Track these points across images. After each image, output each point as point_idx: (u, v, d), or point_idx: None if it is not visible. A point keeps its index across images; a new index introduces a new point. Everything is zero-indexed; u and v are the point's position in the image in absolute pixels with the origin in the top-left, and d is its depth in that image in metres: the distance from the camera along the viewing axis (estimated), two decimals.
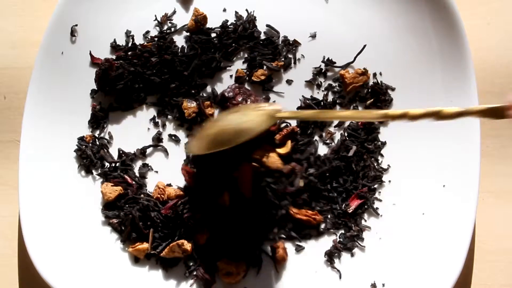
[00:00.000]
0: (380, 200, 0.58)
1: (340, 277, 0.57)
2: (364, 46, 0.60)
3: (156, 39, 0.61)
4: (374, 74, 0.60)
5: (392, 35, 0.60)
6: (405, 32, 0.60)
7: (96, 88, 0.60)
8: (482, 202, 0.59)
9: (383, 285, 0.56)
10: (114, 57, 0.60)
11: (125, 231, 0.57)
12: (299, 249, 0.57)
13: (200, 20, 0.60)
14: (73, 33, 0.60)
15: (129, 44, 0.61)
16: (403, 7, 0.60)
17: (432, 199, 0.57)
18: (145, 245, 0.57)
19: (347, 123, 0.60)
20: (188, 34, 0.61)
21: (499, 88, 0.62)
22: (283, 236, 0.58)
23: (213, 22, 0.61)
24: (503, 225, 0.60)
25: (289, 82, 0.60)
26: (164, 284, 0.57)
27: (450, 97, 0.58)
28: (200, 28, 0.61)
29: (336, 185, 0.58)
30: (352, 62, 0.60)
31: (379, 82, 0.60)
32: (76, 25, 0.60)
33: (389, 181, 0.59)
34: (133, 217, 0.57)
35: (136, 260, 0.58)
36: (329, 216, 0.58)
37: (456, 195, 0.56)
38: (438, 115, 0.43)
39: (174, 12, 0.62)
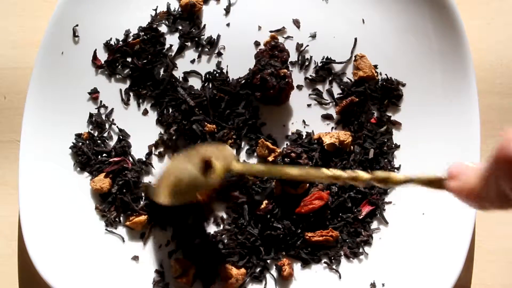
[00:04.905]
0: (390, 202, 0.58)
1: (340, 277, 0.57)
2: (356, 39, 0.60)
3: (142, 32, 0.61)
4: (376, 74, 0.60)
5: (392, 35, 0.60)
6: (405, 32, 0.60)
7: (96, 88, 0.60)
8: None
9: (383, 285, 0.56)
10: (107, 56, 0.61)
11: (117, 204, 0.58)
12: (305, 264, 0.57)
13: (194, 3, 0.60)
14: (75, 33, 0.60)
15: (120, 43, 0.61)
16: (403, 7, 0.60)
17: (432, 199, 0.57)
18: (142, 218, 0.57)
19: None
20: (180, 31, 0.61)
21: (499, 88, 0.62)
22: (291, 254, 0.57)
23: (211, 21, 0.61)
24: (503, 225, 0.59)
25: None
26: (164, 282, 0.57)
27: (450, 97, 0.58)
28: (190, 14, 0.61)
29: (354, 194, 0.58)
30: (350, 58, 0.60)
31: (390, 78, 0.60)
32: (77, 25, 0.60)
33: None
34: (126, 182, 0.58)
35: (137, 258, 0.58)
36: (344, 228, 0.58)
37: None
38: (385, 182, 0.42)
39: (175, 13, 0.62)
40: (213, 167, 0.50)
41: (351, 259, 0.57)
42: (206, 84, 0.60)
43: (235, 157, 0.51)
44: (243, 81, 0.59)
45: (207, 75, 0.60)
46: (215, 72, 0.60)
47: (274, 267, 0.57)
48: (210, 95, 0.59)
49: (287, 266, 0.56)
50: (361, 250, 0.57)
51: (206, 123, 0.59)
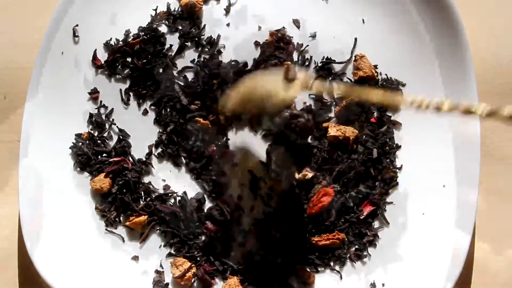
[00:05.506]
0: (391, 203, 0.58)
1: (341, 278, 0.57)
2: (356, 39, 0.60)
3: (142, 32, 0.61)
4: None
5: (392, 35, 0.60)
6: (405, 32, 0.60)
7: (96, 88, 0.60)
8: (482, 202, 0.59)
9: (383, 285, 0.56)
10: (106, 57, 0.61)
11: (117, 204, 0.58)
12: (315, 270, 0.57)
13: (194, 3, 0.60)
14: (75, 33, 0.60)
15: (120, 43, 0.61)
16: (403, 7, 0.60)
17: (432, 199, 0.57)
18: (142, 218, 0.57)
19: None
20: (180, 30, 0.61)
21: (499, 88, 0.62)
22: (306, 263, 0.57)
23: (211, 21, 0.61)
24: (503, 225, 0.59)
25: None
26: (163, 282, 0.57)
27: (450, 97, 0.58)
28: (190, 14, 0.61)
29: (355, 193, 0.58)
30: (350, 58, 0.60)
31: (390, 78, 0.60)
32: (77, 25, 0.60)
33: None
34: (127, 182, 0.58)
35: (137, 258, 0.58)
36: (350, 229, 0.58)
37: (456, 195, 0.56)
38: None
39: (175, 13, 0.62)
40: (295, 81, 0.49)
41: (354, 262, 0.57)
42: (199, 70, 0.60)
43: (315, 79, 0.51)
44: (241, 65, 0.59)
45: (198, 62, 0.60)
46: (205, 59, 0.60)
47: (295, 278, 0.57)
48: (203, 80, 0.59)
49: (310, 274, 0.56)
50: (365, 253, 0.57)
51: (200, 119, 0.59)
